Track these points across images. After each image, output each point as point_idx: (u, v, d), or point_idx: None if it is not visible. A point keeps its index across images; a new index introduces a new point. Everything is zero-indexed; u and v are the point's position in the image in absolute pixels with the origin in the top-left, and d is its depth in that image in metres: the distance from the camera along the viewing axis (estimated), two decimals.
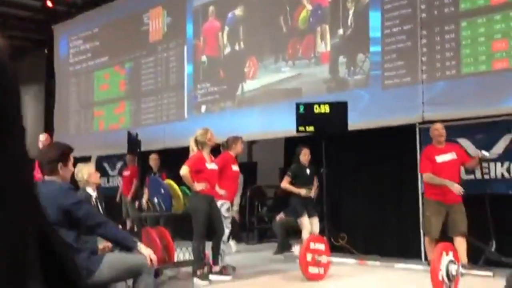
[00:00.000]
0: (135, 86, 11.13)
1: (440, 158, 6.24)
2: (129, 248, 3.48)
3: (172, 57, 10.49)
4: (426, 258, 6.42)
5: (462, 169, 6.75)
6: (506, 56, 6.56)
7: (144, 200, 8.03)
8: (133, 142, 9.30)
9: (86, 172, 5.25)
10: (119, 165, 11.04)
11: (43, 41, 13.99)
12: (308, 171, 7.03)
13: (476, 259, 6.17)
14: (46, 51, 13.93)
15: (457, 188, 5.97)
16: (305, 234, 6.71)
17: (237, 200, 8.48)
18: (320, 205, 7.37)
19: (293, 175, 6.99)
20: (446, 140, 6.48)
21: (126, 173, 9.79)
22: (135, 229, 7.67)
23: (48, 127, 12.92)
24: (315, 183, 7.14)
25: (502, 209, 6.45)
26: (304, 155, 6.98)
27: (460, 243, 5.95)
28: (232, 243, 7.95)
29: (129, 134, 9.32)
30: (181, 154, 6.85)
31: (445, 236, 6.17)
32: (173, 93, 10.41)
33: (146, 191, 8.23)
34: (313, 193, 7.04)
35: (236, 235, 8.93)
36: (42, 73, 14.18)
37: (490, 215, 6.35)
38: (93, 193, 5.39)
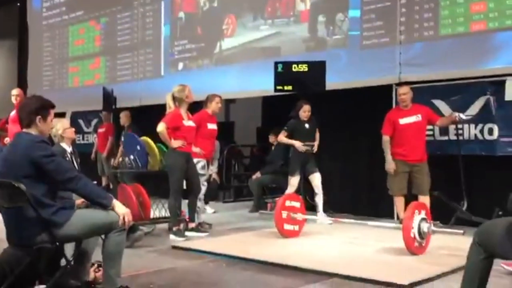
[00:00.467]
0: (110, 42, 10.90)
1: (403, 121, 6.41)
2: (103, 205, 3.41)
3: (149, 12, 10.26)
4: (398, 217, 6.55)
5: (437, 130, 6.89)
6: (484, 18, 6.56)
7: (118, 158, 8.03)
8: (108, 98, 9.23)
9: (60, 127, 5.20)
10: (94, 122, 10.93)
11: None
12: (307, 126, 6.98)
13: (448, 218, 6.34)
14: (18, 4, 13.52)
15: (389, 165, 6.36)
16: (288, 191, 6.78)
17: (215, 163, 8.50)
18: None
19: (290, 130, 6.99)
20: (418, 101, 6.60)
21: (101, 130, 9.70)
22: (111, 186, 7.66)
23: (21, 82, 12.67)
24: (317, 137, 7.08)
25: (474, 170, 6.58)
26: (304, 111, 6.93)
27: (423, 202, 6.13)
28: (208, 207, 7.95)
29: (105, 90, 9.22)
30: (157, 111, 6.77)
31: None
32: (150, 50, 10.23)
33: (120, 149, 8.21)
34: (315, 147, 7.00)
35: (214, 195, 9.01)
36: (15, 27, 13.84)
37: (463, 176, 6.48)
38: (68, 149, 5.34)
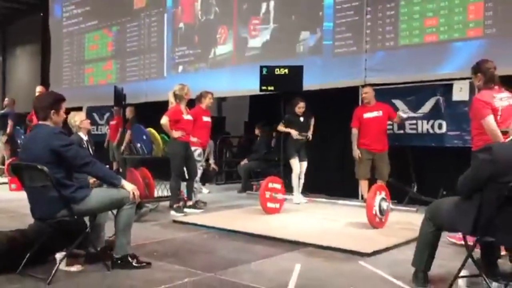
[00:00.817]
0: (121, 47, 10.79)
1: (366, 115, 6.49)
2: (114, 184, 3.44)
3: (154, 23, 10.17)
4: (362, 197, 6.61)
5: (395, 125, 6.93)
6: (435, 31, 6.60)
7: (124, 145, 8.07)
8: (119, 95, 9.13)
9: (78, 118, 5.16)
10: (106, 115, 10.82)
11: (39, 5, 13.40)
12: (301, 119, 6.83)
13: (403, 198, 6.42)
14: (41, 14, 13.34)
15: (354, 152, 6.47)
16: (294, 174, 6.71)
17: (211, 157, 8.52)
18: (278, 152, 7.42)
19: (287, 122, 6.82)
20: (379, 100, 6.66)
21: (113, 122, 9.63)
22: (120, 170, 7.62)
23: (44, 81, 12.52)
24: (311, 128, 6.93)
25: (426, 158, 6.66)
26: (299, 108, 6.77)
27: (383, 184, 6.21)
28: (204, 188, 7.94)
29: (116, 88, 9.12)
30: (160, 107, 6.72)
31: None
32: (154, 54, 10.15)
33: (127, 136, 8.22)
34: (309, 136, 6.84)
35: (212, 179, 9.03)
36: (39, 34, 13.66)
37: (411, 163, 6.55)
38: (85, 137, 5.31)
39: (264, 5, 8.45)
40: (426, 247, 3.17)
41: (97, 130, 10.96)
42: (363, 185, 6.52)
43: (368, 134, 6.43)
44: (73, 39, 11.93)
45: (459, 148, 6.17)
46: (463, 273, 3.04)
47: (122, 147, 8.65)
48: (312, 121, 6.95)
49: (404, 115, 6.41)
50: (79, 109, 8.98)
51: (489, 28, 6.14)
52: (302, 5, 7.98)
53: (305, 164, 6.79)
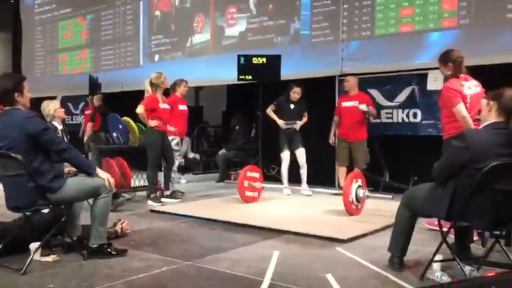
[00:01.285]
0: (95, 36, 10.58)
1: (344, 104, 6.53)
2: (88, 173, 3.41)
3: (129, 10, 10.01)
4: (339, 185, 6.66)
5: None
6: (411, 21, 6.68)
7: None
8: (94, 84, 9.00)
9: (52, 107, 5.07)
10: (81, 105, 10.64)
11: None
12: (292, 106, 6.53)
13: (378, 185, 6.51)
14: (12, 0, 12.96)
15: (329, 139, 6.57)
16: (283, 167, 6.52)
17: (189, 150, 8.47)
18: (256, 142, 7.41)
19: (277, 104, 6.61)
20: (360, 90, 6.68)
21: (88, 112, 9.44)
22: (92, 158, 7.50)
23: (16, 70, 12.18)
24: (304, 118, 6.62)
25: (401, 146, 6.74)
26: (294, 93, 6.47)
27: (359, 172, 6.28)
28: (182, 178, 7.90)
29: (91, 77, 9.00)
30: (137, 96, 6.64)
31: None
32: (130, 43, 10.00)
33: (89, 125, 8.12)
34: (297, 126, 6.52)
35: (195, 169, 9.01)
36: (9, 22, 13.27)
37: (379, 152, 6.63)
38: (59, 126, 5.21)
39: None
40: (402, 232, 3.23)
41: (72, 120, 10.77)
42: (340, 171, 6.58)
43: (344, 123, 6.48)
44: (46, 27, 11.66)
45: (432, 137, 6.27)
46: (437, 257, 3.10)
47: (86, 137, 8.54)
48: (305, 114, 6.66)
49: (365, 108, 6.46)
50: (53, 98, 8.80)
51: (463, 18, 6.24)
52: None
53: (300, 151, 6.46)
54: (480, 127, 3.03)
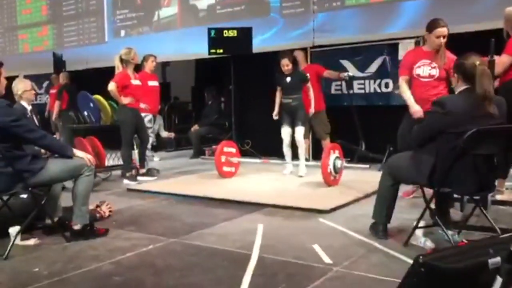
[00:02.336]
0: (56, 11, 10.18)
1: None
2: (67, 156, 3.32)
3: None
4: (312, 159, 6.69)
5: (344, 85, 7.06)
6: None
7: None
8: (58, 62, 8.72)
9: (21, 87, 4.87)
10: (45, 84, 10.30)
11: None
12: (288, 79, 5.76)
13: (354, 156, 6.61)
14: None
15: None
16: (284, 144, 5.88)
17: (162, 128, 8.32)
18: (229, 117, 7.35)
19: (277, 83, 5.91)
20: (328, 62, 6.74)
21: (53, 91, 9.15)
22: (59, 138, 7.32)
23: None
24: (310, 94, 5.83)
25: (374, 117, 6.83)
26: (282, 66, 5.73)
27: (325, 144, 6.31)
28: (155, 155, 7.79)
29: (54, 55, 8.71)
30: (106, 73, 6.45)
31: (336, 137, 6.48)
32: (94, 18, 9.67)
33: (57, 103, 7.91)
34: (292, 101, 5.76)
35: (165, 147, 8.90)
36: None
37: (358, 123, 6.71)
38: (28, 107, 5.03)
39: None
40: (386, 200, 3.28)
41: (36, 99, 10.40)
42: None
43: None
44: (2, 2, 11.12)
45: (405, 106, 6.35)
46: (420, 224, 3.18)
47: (54, 116, 8.31)
48: (308, 85, 5.84)
49: (345, 74, 6.56)
50: (14, 78, 8.47)
51: None
52: None
53: (297, 129, 5.75)
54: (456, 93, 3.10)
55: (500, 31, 4.28)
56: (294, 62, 5.87)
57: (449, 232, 3.06)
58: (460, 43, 4.19)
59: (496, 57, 3.83)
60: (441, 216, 3.33)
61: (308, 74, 5.90)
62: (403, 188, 4.08)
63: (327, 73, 6.56)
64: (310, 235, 3.47)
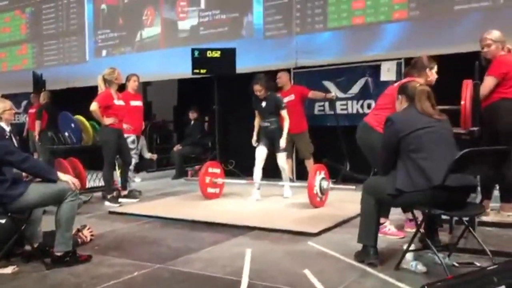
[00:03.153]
0: (36, 30, 10.03)
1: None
2: (51, 180, 3.18)
3: (73, 4, 9.55)
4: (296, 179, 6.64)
5: (327, 106, 7.07)
6: (363, 14, 6.76)
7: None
8: (38, 81, 8.55)
9: (1, 107, 4.69)
10: (24, 103, 10.08)
11: None
12: (263, 104, 5.58)
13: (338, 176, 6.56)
14: None
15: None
16: (255, 165, 5.62)
17: (145, 149, 8.14)
18: (212, 137, 7.26)
19: (254, 108, 5.73)
20: (311, 83, 6.81)
21: (32, 110, 8.94)
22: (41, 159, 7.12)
23: None
24: (283, 116, 5.50)
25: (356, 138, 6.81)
26: (255, 91, 5.55)
27: (308, 164, 6.37)
28: (137, 177, 7.62)
29: (34, 74, 8.54)
30: (88, 93, 6.33)
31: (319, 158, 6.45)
32: (75, 37, 9.55)
33: (37, 123, 7.75)
34: (269, 125, 5.58)
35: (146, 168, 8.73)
36: None
37: (343, 143, 6.70)
38: (7, 128, 4.84)
39: None
40: (371, 221, 3.21)
41: (14, 119, 10.17)
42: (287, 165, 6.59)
43: None
44: None
45: None
46: (405, 246, 3.12)
47: (37, 136, 8.12)
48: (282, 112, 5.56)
49: (333, 95, 6.66)
50: None
51: (413, 10, 6.39)
52: None
53: (279, 155, 5.54)
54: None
55: (479, 54, 4.32)
56: (269, 86, 5.62)
57: (440, 255, 3.02)
58: (440, 65, 4.20)
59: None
60: (430, 238, 3.30)
61: (285, 102, 5.69)
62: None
63: (312, 94, 6.61)
64: (300, 259, 3.39)
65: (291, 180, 6.58)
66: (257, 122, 5.77)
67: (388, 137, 3.12)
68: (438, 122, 3.04)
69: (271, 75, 6.70)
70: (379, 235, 3.31)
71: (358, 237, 3.27)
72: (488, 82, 4.02)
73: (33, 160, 3.17)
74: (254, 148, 7.40)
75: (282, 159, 5.58)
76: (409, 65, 4.08)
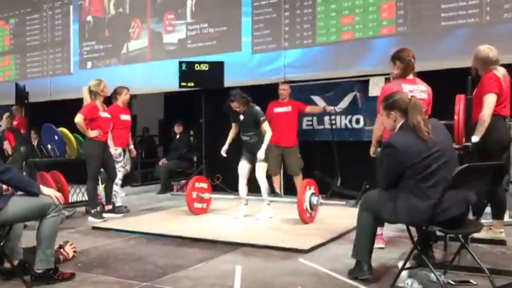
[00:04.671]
0: (20, 41, 9.86)
1: (277, 110, 6.56)
2: (33, 193, 3.03)
3: (58, 15, 9.42)
4: (273, 191, 6.50)
5: (315, 120, 7.02)
6: (351, 29, 6.77)
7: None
8: (20, 93, 8.32)
9: None
10: (6, 115, 9.81)
11: None
12: (242, 117, 5.36)
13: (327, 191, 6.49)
14: None
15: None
16: (240, 180, 5.44)
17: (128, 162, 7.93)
18: (198, 150, 7.14)
19: (232, 121, 5.57)
20: (299, 97, 6.79)
21: (14, 123, 8.74)
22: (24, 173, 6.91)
23: None
24: (264, 129, 5.28)
25: (345, 153, 6.77)
26: (234, 108, 5.35)
27: (297, 180, 6.30)
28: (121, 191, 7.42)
29: (17, 85, 8.30)
30: (73, 105, 6.19)
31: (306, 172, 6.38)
32: (59, 49, 9.40)
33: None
34: (249, 138, 5.37)
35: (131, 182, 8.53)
36: None
37: (337, 157, 6.65)
38: None
39: (180, 0, 8.14)
40: (367, 237, 3.13)
41: None
42: (275, 180, 6.52)
43: (277, 129, 6.28)
44: None
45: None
46: (400, 263, 3.04)
47: (8, 149, 7.95)
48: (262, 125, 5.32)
49: (332, 108, 6.66)
50: None
51: (401, 26, 6.41)
52: (219, 1, 7.79)
53: (257, 166, 5.29)
54: (396, 131, 3.07)
55: (468, 70, 4.29)
56: (246, 100, 5.33)
57: (437, 272, 2.93)
58: (428, 81, 4.16)
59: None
60: (425, 255, 3.22)
61: (264, 117, 5.39)
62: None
63: (310, 108, 6.64)
64: (292, 277, 3.28)
65: (278, 195, 6.48)
66: (231, 133, 5.55)
67: (391, 166, 2.94)
68: (441, 144, 2.88)
69: (261, 88, 6.69)
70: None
71: (353, 252, 3.19)
72: (491, 99, 3.99)
73: (14, 172, 3.00)
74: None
75: (260, 170, 5.27)
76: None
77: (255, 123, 5.31)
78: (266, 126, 5.29)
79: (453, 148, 3.05)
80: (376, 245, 3.38)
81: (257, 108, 5.40)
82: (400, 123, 3.04)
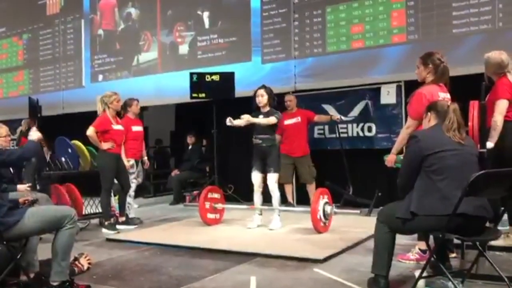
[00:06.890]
0: (33, 56, 10.02)
1: (287, 122, 6.50)
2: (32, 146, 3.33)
3: (70, 29, 9.56)
4: (286, 201, 6.52)
5: (327, 129, 7.01)
6: (362, 38, 6.77)
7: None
8: (33, 107, 8.43)
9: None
10: (19, 129, 9.93)
11: None
12: (261, 117, 5.20)
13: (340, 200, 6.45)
14: None
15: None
16: (255, 190, 5.30)
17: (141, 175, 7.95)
18: (210, 161, 7.15)
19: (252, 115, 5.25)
20: (310, 106, 6.81)
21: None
22: (37, 186, 6.96)
23: None
24: (277, 135, 5.29)
25: (358, 161, 6.75)
26: (258, 95, 5.25)
27: (310, 189, 6.35)
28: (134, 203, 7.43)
29: (30, 99, 8.41)
30: (87, 117, 6.23)
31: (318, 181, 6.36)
32: (71, 63, 9.53)
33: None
34: (262, 141, 5.16)
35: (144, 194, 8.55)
36: None
37: (347, 166, 6.62)
38: None
39: (189, 12, 8.22)
40: (385, 250, 3.09)
41: (9, 145, 10.03)
42: (286, 189, 6.53)
43: (288, 140, 6.46)
44: None
45: (388, 150, 6.30)
46: (417, 272, 3.01)
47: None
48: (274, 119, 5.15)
49: (343, 117, 6.69)
50: None
51: (411, 34, 6.40)
52: (229, 12, 7.85)
53: (269, 176, 5.12)
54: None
55: (481, 76, 4.28)
56: (272, 99, 5.26)
57: (455, 281, 2.89)
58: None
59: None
60: (442, 264, 3.18)
61: (279, 117, 5.27)
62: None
63: (318, 117, 6.64)
64: (308, 287, 3.26)
65: (291, 205, 6.48)
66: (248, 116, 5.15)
67: (412, 154, 2.96)
68: (464, 147, 2.90)
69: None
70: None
71: (372, 266, 3.12)
72: (504, 105, 3.96)
73: (8, 152, 3.26)
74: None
75: (273, 180, 5.10)
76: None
77: (272, 125, 5.16)
78: (273, 120, 5.13)
79: (475, 154, 3.01)
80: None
81: (278, 112, 5.28)
82: (432, 124, 3.07)
